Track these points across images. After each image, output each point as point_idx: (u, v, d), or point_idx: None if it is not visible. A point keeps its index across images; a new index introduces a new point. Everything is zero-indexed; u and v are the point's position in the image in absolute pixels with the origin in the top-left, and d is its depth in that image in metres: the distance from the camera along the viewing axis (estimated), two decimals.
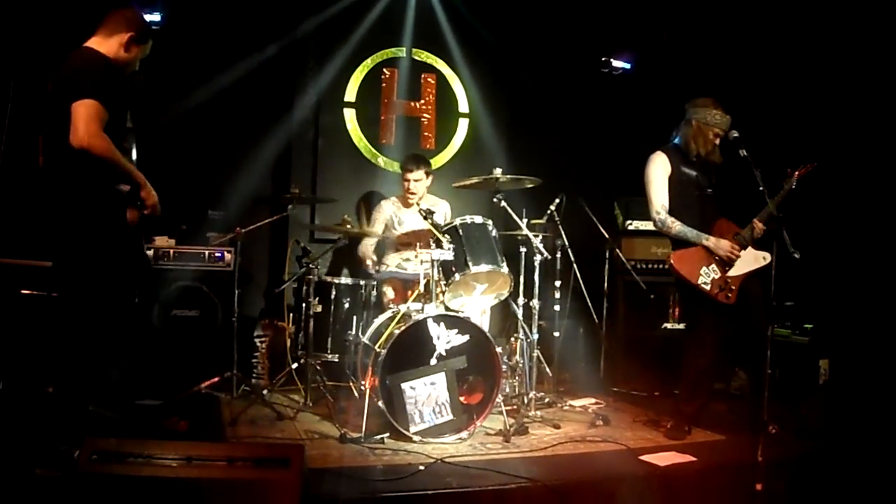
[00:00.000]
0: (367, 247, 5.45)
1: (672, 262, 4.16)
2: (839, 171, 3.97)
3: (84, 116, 3.02)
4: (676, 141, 4.29)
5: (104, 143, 3.05)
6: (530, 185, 4.61)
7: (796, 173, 3.98)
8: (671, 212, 4.18)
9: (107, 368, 3.39)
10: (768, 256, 3.88)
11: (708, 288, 4.07)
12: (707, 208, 4.22)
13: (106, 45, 3.30)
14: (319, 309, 4.66)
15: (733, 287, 4.07)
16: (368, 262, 5.36)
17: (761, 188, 3.91)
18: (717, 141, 4.16)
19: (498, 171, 4.46)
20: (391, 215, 5.48)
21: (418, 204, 5.07)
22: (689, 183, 4.20)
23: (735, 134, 4.01)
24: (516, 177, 4.51)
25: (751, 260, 4.10)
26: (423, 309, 4.07)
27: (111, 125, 3.13)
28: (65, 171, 3.16)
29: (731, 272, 4.09)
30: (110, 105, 3.12)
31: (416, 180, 5.31)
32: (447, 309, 4.15)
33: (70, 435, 3.14)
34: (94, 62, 3.20)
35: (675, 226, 4.14)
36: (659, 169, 4.20)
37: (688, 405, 4.21)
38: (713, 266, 4.10)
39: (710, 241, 4.10)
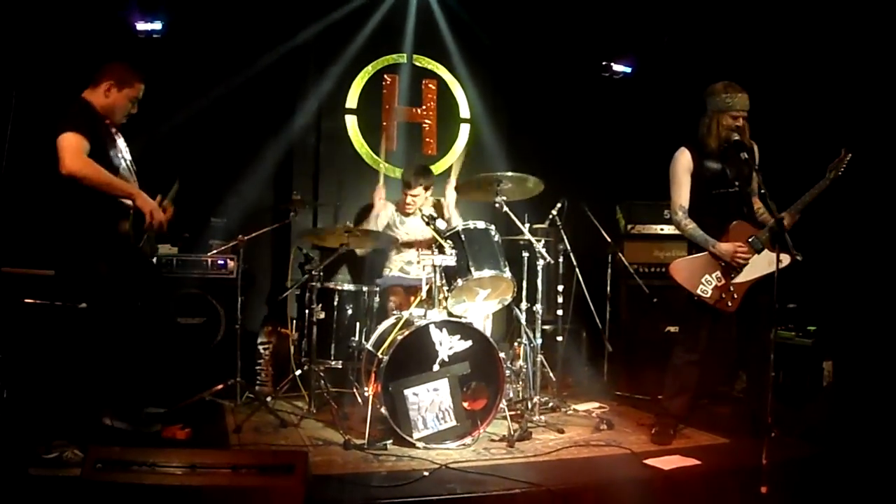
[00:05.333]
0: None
1: (671, 272, 4.10)
2: (842, 173, 3.95)
3: (66, 147, 3.40)
4: None
5: (87, 166, 3.42)
6: (533, 190, 4.61)
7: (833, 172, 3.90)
8: (692, 208, 4.09)
9: (119, 375, 3.57)
10: (787, 258, 3.71)
11: (707, 296, 4.01)
12: (728, 206, 4.08)
13: (93, 94, 3.72)
14: (322, 315, 4.66)
15: (736, 295, 4.01)
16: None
17: (762, 191, 3.90)
18: (738, 123, 4.00)
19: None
20: (392, 214, 5.48)
21: (420, 210, 5.07)
22: (713, 178, 4.06)
23: (735, 137, 3.98)
24: (516, 174, 4.49)
25: (763, 265, 3.97)
26: (425, 315, 4.07)
27: (95, 152, 3.48)
28: (58, 195, 3.52)
29: (738, 279, 4.01)
30: (90, 136, 3.47)
31: (413, 195, 5.32)
32: (450, 315, 4.15)
33: (64, 435, 3.28)
34: (73, 105, 3.62)
35: (689, 227, 4.08)
36: (680, 167, 4.09)
37: (673, 402, 4.17)
38: (716, 273, 4.03)
39: (717, 248, 4.01)
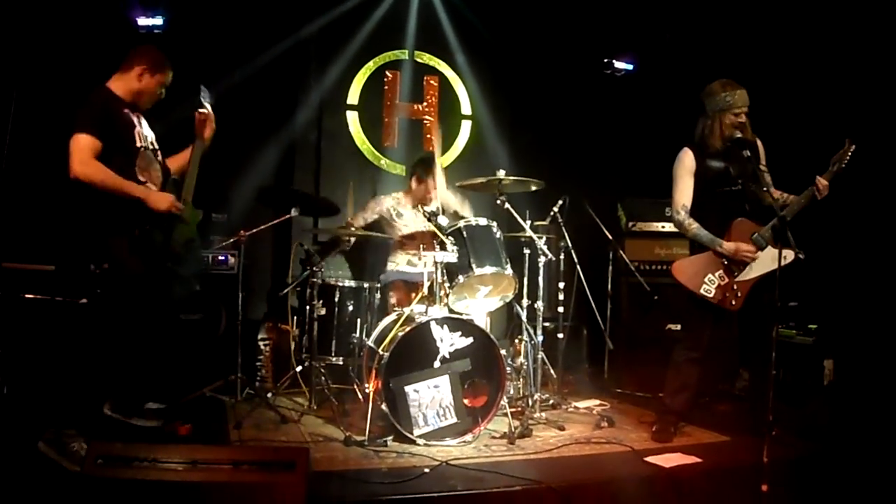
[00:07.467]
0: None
1: (673, 272, 4.10)
2: (846, 166, 3.95)
3: (74, 151, 3.40)
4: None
5: (94, 171, 3.41)
6: (535, 189, 4.61)
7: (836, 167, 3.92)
8: (694, 207, 4.10)
9: (127, 369, 3.62)
10: (791, 254, 3.69)
11: (711, 296, 4.00)
12: (731, 205, 4.07)
13: (122, 80, 3.70)
14: (323, 312, 4.66)
15: (740, 293, 4.00)
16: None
17: (765, 189, 3.89)
18: (741, 119, 4.00)
19: (501, 173, 4.44)
20: (389, 208, 5.41)
21: (421, 206, 5.05)
22: (716, 177, 4.06)
23: (738, 135, 3.97)
24: (520, 178, 4.49)
25: (768, 262, 3.95)
26: (426, 311, 4.06)
27: (111, 150, 3.47)
28: (71, 195, 3.50)
29: (741, 277, 4.00)
30: (105, 134, 3.45)
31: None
32: (451, 311, 4.15)
33: (66, 422, 3.30)
34: (93, 98, 3.56)
35: (692, 227, 4.07)
36: (683, 167, 4.10)
37: (674, 399, 4.17)
38: (720, 272, 4.02)
39: (723, 247, 3.99)
